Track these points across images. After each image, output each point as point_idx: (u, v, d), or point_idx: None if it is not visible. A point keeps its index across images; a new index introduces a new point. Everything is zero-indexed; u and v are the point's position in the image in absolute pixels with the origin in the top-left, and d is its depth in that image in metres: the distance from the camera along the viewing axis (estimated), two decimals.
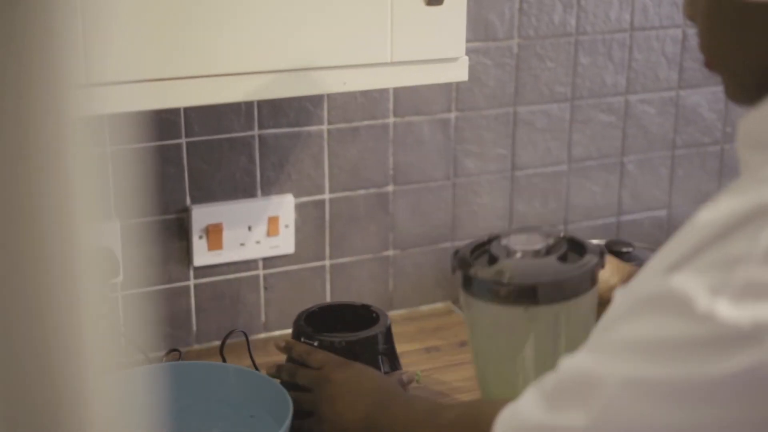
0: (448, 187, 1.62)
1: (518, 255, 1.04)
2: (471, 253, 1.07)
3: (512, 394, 1.01)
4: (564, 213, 1.72)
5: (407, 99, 1.55)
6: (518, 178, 1.67)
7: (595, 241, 1.68)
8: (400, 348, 1.26)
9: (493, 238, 1.07)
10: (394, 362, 1.21)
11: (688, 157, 1.79)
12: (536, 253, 1.04)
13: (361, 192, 1.57)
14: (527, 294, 1.00)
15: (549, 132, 1.67)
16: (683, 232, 0.77)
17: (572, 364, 0.76)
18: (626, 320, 0.74)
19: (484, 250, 1.07)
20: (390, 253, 1.61)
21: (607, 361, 0.73)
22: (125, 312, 1.46)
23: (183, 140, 1.44)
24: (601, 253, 1.05)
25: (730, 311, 0.68)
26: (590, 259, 1.03)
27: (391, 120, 1.55)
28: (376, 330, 1.20)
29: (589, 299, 1.03)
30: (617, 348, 0.74)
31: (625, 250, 1.56)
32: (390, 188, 1.58)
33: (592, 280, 1.03)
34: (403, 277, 1.63)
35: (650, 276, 0.76)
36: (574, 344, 1.03)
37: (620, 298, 0.78)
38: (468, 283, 1.03)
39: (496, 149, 1.64)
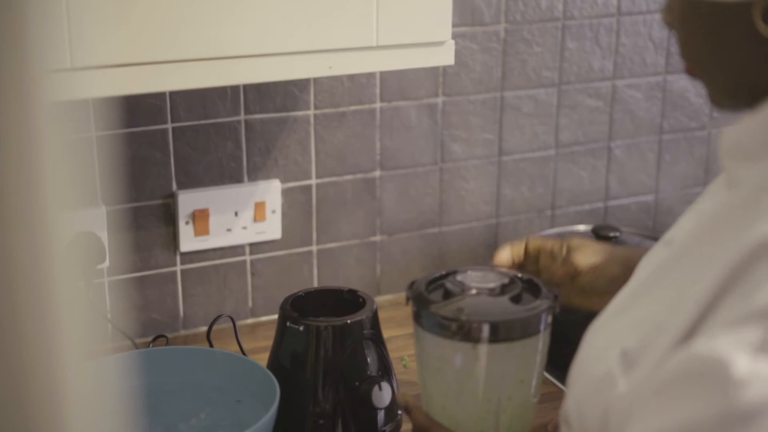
0: (435, 172, 1.62)
1: (473, 292, 1.04)
2: (427, 286, 1.07)
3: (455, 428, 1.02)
4: (551, 198, 1.72)
5: (394, 84, 1.55)
6: (505, 163, 1.66)
7: (582, 227, 1.68)
8: (386, 333, 1.26)
9: (449, 273, 1.07)
10: (380, 347, 1.21)
11: (675, 142, 1.79)
12: (491, 291, 1.04)
13: (348, 177, 1.56)
14: (476, 332, 1.00)
15: (536, 117, 1.67)
16: (684, 279, 0.71)
17: None
18: (654, 411, 0.65)
19: (439, 284, 1.07)
20: (377, 238, 1.61)
21: None
22: (111, 298, 1.46)
23: (169, 125, 1.43)
24: (555, 297, 1.04)
25: None
26: (542, 303, 1.02)
27: (378, 105, 1.55)
28: (363, 315, 1.20)
29: (539, 341, 1.02)
30: None
31: (612, 234, 1.56)
32: (377, 173, 1.58)
33: (544, 322, 1.03)
34: (390, 263, 1.62)
35: (660, 340, 0.69)
36: (521, 385, 1.04)
37: (628, 385, 0.70)
38: (419, 315, 1.03)
39: (484, 134, 1.64)
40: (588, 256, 1.09)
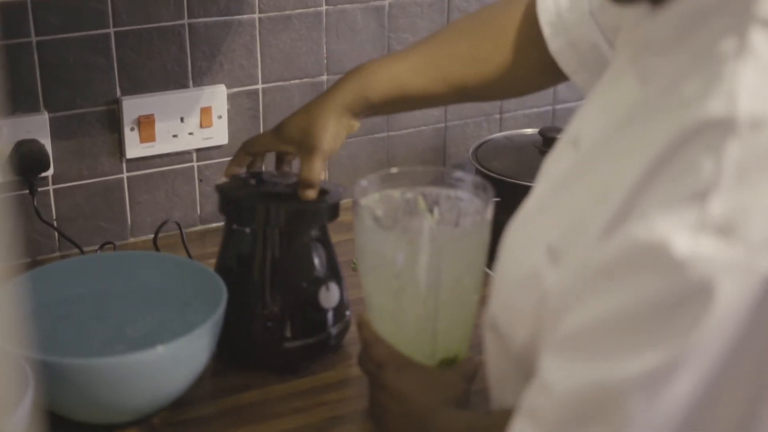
0: None
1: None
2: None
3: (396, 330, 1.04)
4: (499, 102, 1.72)
5: None
6: None
7: (529, 130, 1.69)
8: (337, 237, 1.27)
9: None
10: (328, 249, 1.21)
11: None
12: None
13: (295, 82, 1.55)
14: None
15: None
16: (602, 175, 0.70)
17: (562, 380, 0.66)
18: (594, 298, 0.65)
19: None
20: None
21: (598, 363, 0.63)
22: (57, 206, 1.45)
23: (111, 30, 1.41)
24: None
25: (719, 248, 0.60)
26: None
27: (323, 8, 1.53)
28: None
29: (482, 231, 1.04)
30: (600, 339, 0.64)
31: (559, 136, 1.57)
32: (324, 78, 1.57)
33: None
34: (339, 168, 1.62)
35: (587, 230, 0.68)
36: (459, 282, 1.04)
37: (558, 277, 0.69)
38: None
39: None
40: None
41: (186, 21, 1.45)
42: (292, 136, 1.18)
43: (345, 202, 1.21)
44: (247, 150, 1.23)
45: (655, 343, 0.61)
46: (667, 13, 0.73)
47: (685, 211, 0.61)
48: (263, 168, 1.26)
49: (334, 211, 1.20)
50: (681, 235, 0.61)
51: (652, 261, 0.62)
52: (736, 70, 0.64)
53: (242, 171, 1.23)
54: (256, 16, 1.49)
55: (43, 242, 1.45)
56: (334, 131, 1.15)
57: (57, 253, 1.46)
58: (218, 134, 1.51)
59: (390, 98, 1.15)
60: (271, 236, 1.17)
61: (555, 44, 1.08)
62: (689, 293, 0.60)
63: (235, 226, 1.18)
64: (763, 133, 0.61)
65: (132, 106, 1.44)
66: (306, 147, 1.15)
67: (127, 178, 1.48)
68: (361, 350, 1.10)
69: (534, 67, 1.13)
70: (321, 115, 1.15)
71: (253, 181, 1.20)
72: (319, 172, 1.16)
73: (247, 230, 1.17)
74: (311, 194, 1.16)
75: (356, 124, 1.18)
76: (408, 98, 1.16)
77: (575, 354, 0.65)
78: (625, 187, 0.66)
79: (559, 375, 0.66)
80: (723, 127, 0.62)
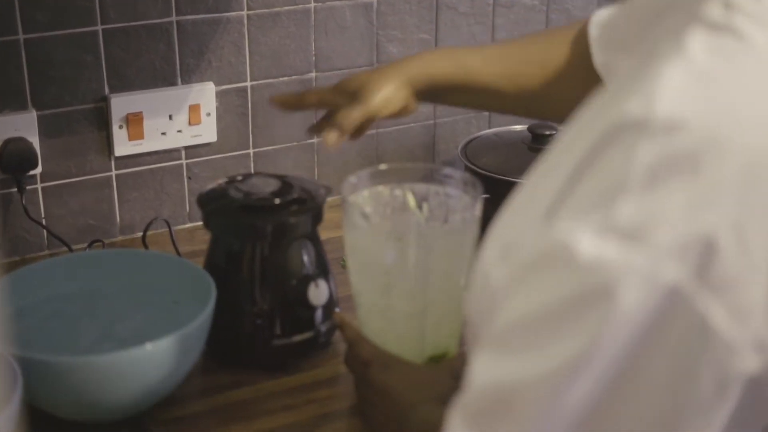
0: None
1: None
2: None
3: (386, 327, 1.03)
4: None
5: None
6: None
7: (518, 127, 1.69)
8: (326, 234, 1.26)
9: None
10: (317, 246, 1.21)
11: None
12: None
13: (284, 79, 1.55)
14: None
15: (472, 16, 1.66)
16: (549, 159, 0.69)
17: (481, 373, 0.66)
18: (513, 298, 0.65)
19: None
20: (314, 140, 1.60)
21: (511, 359, 0.64)
22: (46, 204, 1.45)
23: (99, 27, 1.40)
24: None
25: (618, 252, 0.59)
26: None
27: (312, 5, 1.53)
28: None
29: (472, 226, 1.04)
30: (515, 336, 0.64)
31: (548, 132, 1.57)
32: (312, 75, 1.57)
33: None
34: (328, 165, 1.62)
35: (529, 227, 0.67)
36: (449, 277, 1.05)
37: (501, 273, 0.68)
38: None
39: (420, 34, 1.62)
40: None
41: (174, 18, 1.45)
42: (348, 87, 1.17)
43: (333, 199, 1.21)
44: (303, 97, 1.23)
45: (558, 342, 0.61)
46: (633, 12, 0.73)
47: (594, 212, 0.60)
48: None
49: (317, 216, 1.20)
50: (587, 237, 0.60)
51: (560, 261, 0.61)
52: (662, 70, 0.62)
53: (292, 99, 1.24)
54: (245, 13, 1.49)
55: (32, 240, 1.45)
56: (388, 95, 1.14)
57: (46, 252, 1.46)
58: (207, 132, 1.51)
59: (452, 82, 1.16)
60: (260, 234, 1.17)
61: (599, 58, 1.06)
62: (591, 296, 0.60)
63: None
64: (677, 138, 0.59)
65: (120, 104, 1.44)
66: (356, 98, 1.14)
67: (116, 175, 1.48)
68: (346, 350, 1.10)
69: (583, 81, 1.11)
70: (381, 78, 1.15)
71: (233, 192, 1.19)
72: (354, 121, 1.13)
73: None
74: (331, 138, 1.12)
75: (413, 104, 1.18)
76: (470, 87, 1.16)
77: (495, 350, 0.65)
78: (557, 185, 0.65)
79: (478, 370, 0.66)
80: (638, 128, 0.60)
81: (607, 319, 0.59)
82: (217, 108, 1.51)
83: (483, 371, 0.66)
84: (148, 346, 1.04)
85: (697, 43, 0.63)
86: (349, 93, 1.16)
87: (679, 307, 0.58)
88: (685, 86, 0.61)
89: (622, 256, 0.59)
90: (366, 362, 1.04)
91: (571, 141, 0.68)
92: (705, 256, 0.58)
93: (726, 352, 0.59)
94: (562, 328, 0.61)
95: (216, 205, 1.19)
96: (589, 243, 0.60)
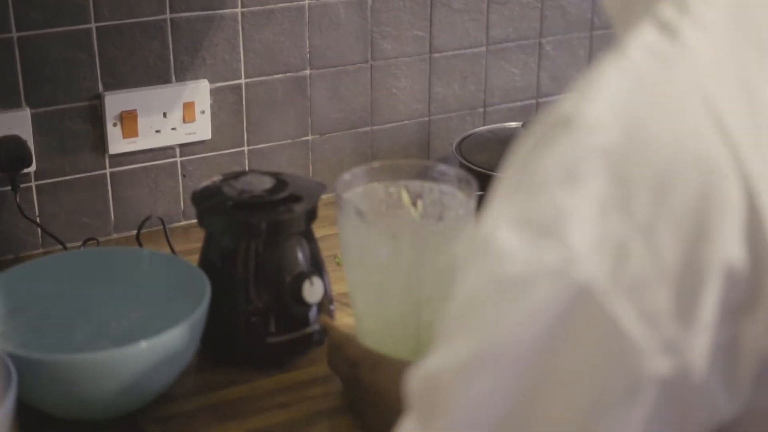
0: (366, 70, 1.61)
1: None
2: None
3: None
4: (483, 95, 1.72)
5: None
6: (436, 60, 1.66)
7: (513, 124, 1.69)
8: (321, 232, 1.26)
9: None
10: (311, 244, 1.21)
11: (606, 38, 1.79)
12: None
13: (278, 76, 1.55)
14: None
15: (467, 13, 1.66)
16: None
17: (416, 370, 0.67)
18: (454, 287, 0.66)
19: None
20: (309, 138, 1.60)
21: (440, 349, 0.64)
22: (40, 202, 1.44)
23: (92, 25, 1.40)
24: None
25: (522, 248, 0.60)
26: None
27: (306, 2, 1.53)
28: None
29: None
30: (444, 326, 0.65)
31: None
32: (307, 72, 1.56)
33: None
34: (323, 162, 1.62)
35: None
36: (443, 274, 1.05)
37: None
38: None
39: (414, 31, 1.62)
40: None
41: (168, 16, 1.44)
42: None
43: (328, 197, 1.21)
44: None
45: (471, 332, 0.62)
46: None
47: (516, 206, 0.61)
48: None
49: (311, 213, 1.20)
50: (506, 229, 0.61)
51: (481, 252, 0.62)
52: (603, 72, 0.63)
53: None
54: (239, 10, 1.49)
55: (26, 239, 1.45)
56: None
57: (40, 250, 1.46)
58: (201, 129, 1.51)
59: None
60: (255, 231, 1.17)
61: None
62: (504, 287, 0.60)
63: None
64: (597, 137, 0.60)
65: (114, 102, 1.44)
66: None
67: (110, 173, 1.48)
68: (330, 352, 1.10)
69: None
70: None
71: (228, 189, 1.19)
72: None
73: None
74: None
75: None
76: None
77: (438, 340, 0.66)
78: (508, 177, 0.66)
79: (419, 364, 0.67)
80: (563, 125, 0.61)
81: (518, 312, 0.59)
82: (211, 105, 1.51)
83: (418, 366, 0.67)
84: (143, 344, 1.04)
85: (640, 47, 0.63)
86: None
87: (590, 306, 0.59)
88: (617, 90, 0.62)
89: (535, 252, 0.59)
90: (354, 363, 1.04)
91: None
92: (617, 258, 0.58)
93: (635, 354, 0.59)
94: (476, 318, 0.62)
95: (210, 203, 1.19)
96: (507, 235, 0.60)
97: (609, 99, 0.62)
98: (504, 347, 0.60)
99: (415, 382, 0.67)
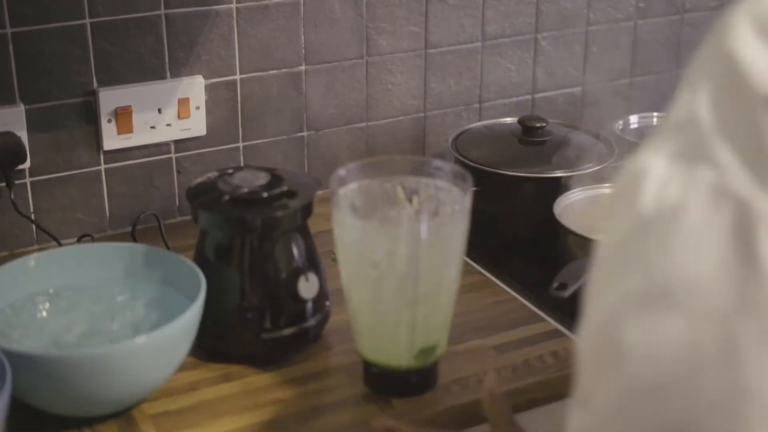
0: (361, 66, 1.60)
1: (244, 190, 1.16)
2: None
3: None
4: (478, 91, 1.72)
5: None
6: (432, 56, 1.66)
7: (509, 119, 1.68)
8: (316, 228, 1.26)
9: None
10: (307, 240, 1.21)
11: (601, 34, 1.79)
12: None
13: (273, 72, 1.55)
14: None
15: (462, 9, 1.65)
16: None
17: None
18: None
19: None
20: (304, 134, 1.60)
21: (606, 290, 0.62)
22: (35, 198, 1.44)
23: (87, 21, 1.40)
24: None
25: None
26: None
27: None
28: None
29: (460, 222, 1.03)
30: (607, 269, 0.63)
31: (538, 125, 1.57)
32: (302, 68, 1.56)
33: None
34: (318, 158, 1.62)
35: None
36: (438, 270, 1.04)
37: None
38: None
39: (409, 27, 1.62)
40: None
41: (163, 11, 1.44)
42: None
43: (323, 192, 1.21)
44: None
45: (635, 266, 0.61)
46: None
47: (664, 141, 0.62)
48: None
49: (307, 209, 1.20)
50: (658, 161, 0.61)
51: (632, 186, 0.62)
52: None
53: None
54: (234, 6, 1.49)
55: (21, 235, 1.44)
56: None
57: (35, 246, 1.46)
58: (196, 125, 1.51)
59: None
60: (250, 227, 1.16)
61: None
62: (652, 220, 0.60)
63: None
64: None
65: (109, 98, 1.43)
66: None
67: (105, 170, 1.48)
68: None
69: None
70: None
71: (223, 185, 1.19)
72: None
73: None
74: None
75: None
76: None
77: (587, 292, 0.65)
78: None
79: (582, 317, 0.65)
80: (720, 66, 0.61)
81: (679, 232, 0.58)
82: (206, 101, 1.50)
83: (590, 307, 0.64)
84: (138, 340, 1.03)
85: None
86: None
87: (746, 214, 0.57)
88: None
89: (690, 173, 0.59)
90: None
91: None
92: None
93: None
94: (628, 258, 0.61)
95: (205, 199, 1.19)
96: (660, 167, 0.60)
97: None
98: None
99: (584, 337, 0.63)
